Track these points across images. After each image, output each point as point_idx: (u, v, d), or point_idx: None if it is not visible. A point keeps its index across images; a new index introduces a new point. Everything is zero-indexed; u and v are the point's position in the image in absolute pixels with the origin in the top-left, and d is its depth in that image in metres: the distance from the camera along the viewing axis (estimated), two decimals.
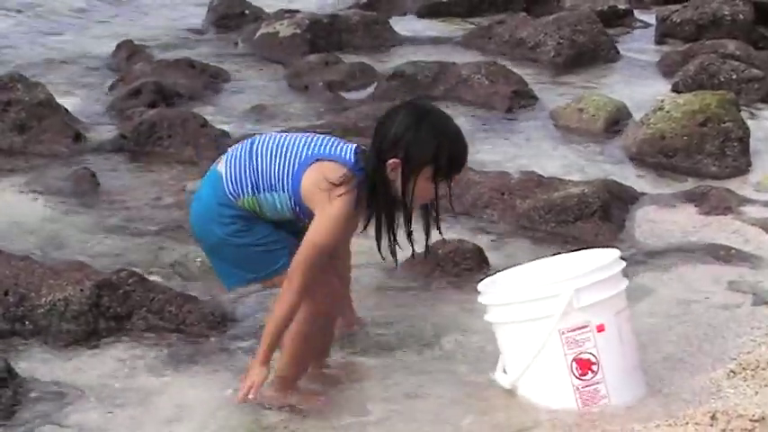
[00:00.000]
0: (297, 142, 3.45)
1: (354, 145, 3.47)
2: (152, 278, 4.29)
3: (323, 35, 8.25)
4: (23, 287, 4.02)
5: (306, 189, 3.36)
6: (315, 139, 3.48)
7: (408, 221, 3.43)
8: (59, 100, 6.39)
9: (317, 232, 3.35)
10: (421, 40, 8.61)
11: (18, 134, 6.06)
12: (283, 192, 3.40)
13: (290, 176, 3.38)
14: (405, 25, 8.96)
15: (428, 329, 4.05)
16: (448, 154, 3.33)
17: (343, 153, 3.40)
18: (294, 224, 3.52)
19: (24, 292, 4.01)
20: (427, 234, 3.53)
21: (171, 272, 4.51)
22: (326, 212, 3.33)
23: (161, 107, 6.51)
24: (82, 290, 4.00)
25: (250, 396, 3.40)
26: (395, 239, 3.44)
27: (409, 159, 3.30)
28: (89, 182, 5.48)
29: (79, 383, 3.64)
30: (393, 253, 3.47)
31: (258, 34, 8.35)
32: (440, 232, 3.61)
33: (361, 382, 3.69)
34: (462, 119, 6.67)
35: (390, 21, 8.78)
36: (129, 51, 7.92)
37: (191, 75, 7.35)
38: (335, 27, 8.39)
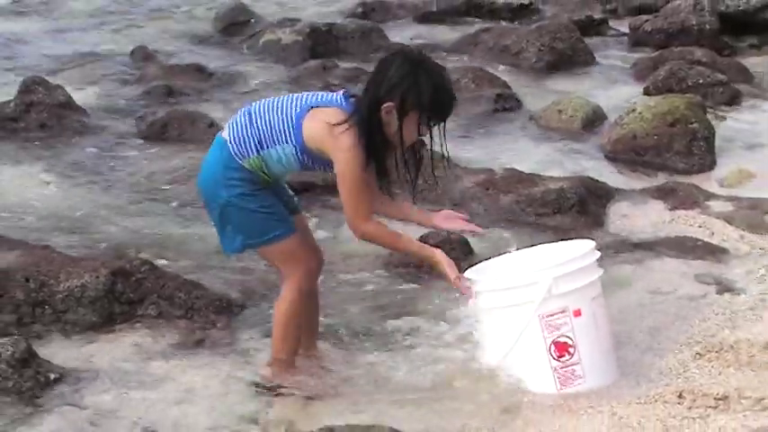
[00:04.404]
0: (290, 98, 3.44)
1: (341, 90, 3.45)
2: (162, 263, 4.28)
3: (322, 42, 8.25)
4: (43, 274, 3.99)
5: (309, 135, 3.33)
6: (305, 93, 3.47)
7: (402, 160, 3.42)
8: (77, 101, 6.37)
9: (343, 171, 3.32)
10: (412, 46, 8.56)
11: (40, 132, 6.09)
12: (287, 143, 3.36)
13: (291, 127, 3.35)
14: (397, 32, 8.92)
15: (415, 317, 4.03)
16: (441, 102, 3.33)
17: (334, 99, 3.39)
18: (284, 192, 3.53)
19: (44, 278, 3.98)
20: (416, 175, 3.50)
21: (182, 255, 4.53)
22: (339, 149, 3.30)
23: (172, 108, 6.52)
24: (98, 277, 3.97)
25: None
26: (388, 178, 3.43)
27: (404, 103, 3.29)
28: (106, 169, 5.56)
29: (95, 366, 3.62)
30: (389, 192, 3.48)
31: (262, 41, 8.35)
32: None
33: (350, 370, 3.64)
34: (449, 120, 6.63)
35: (384, 28, 8.75)
36: (143, 56, 7.96)
37: (199, 78, 7.39)
38: (333, 35, 8.40)
